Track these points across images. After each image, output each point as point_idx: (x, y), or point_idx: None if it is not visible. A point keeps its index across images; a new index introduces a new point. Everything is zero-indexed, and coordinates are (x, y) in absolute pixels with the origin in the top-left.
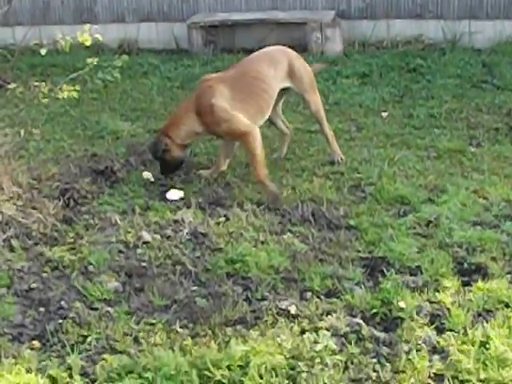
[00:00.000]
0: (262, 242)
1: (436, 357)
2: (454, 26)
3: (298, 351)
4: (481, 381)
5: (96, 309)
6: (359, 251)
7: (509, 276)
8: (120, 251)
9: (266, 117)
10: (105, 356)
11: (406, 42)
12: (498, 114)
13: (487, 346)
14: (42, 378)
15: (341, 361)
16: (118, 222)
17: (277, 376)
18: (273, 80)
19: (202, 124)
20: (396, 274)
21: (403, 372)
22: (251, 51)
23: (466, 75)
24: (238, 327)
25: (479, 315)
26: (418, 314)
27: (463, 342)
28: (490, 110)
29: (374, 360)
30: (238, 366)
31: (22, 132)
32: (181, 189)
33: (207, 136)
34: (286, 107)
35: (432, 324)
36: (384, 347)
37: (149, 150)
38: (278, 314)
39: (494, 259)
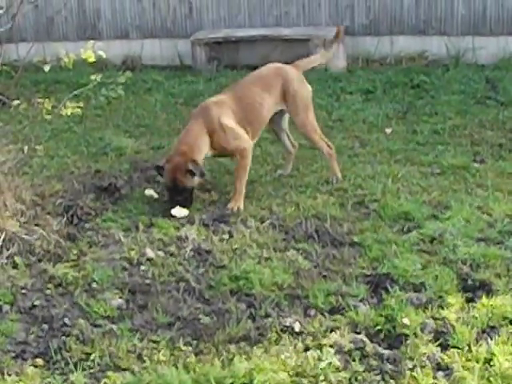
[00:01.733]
0: (266, 259)
1: (440, 374)
2: (458, 41)
3: (302, 368)
4: None
5: (99, 326)
6: (363, 268)
7: None
8: (124, 268)
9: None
10: (108, 373)
11: (409, 58)
12: (502, 129)
13: (491, 362)
14: None
15: (345, 378)
16: (122, 238)
17: None
18: (266, 105)
19: (212, 144)
20: (400, 290)
21: None
22: (255, 67)
23: (470, 91)
24: (242, 344)
25: (483, 332)
26: (422, 330)
27: (467, 359)
28: (494, 126)
29: (378, 377)
30: (242, 383)
31: (26, 148)
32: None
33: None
34: (290, 124)
35: (436, 341)
36: (388, 364)
37: (185, 181)
38: (281, 330)
39: (498, 275)
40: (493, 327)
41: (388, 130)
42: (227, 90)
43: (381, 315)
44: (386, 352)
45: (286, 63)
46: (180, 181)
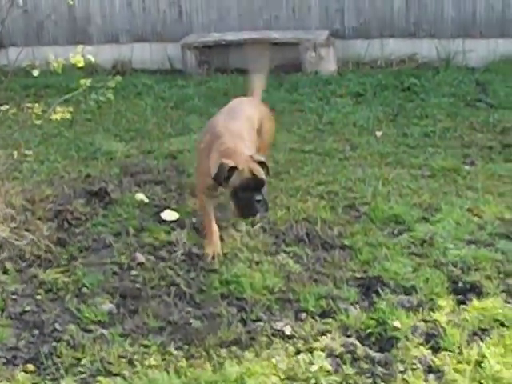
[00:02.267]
0: (257, 263)
1: (431, 376)
2: (448, 44)
3: (293, 372)
4: None
5: (90, 331)
6: (354, 271)
7: (503, 294)
8: (114, 273)
9: None
10: (99, 378)
11: (399, 61)
12: (492, 132)
13: (482, 365)
14: None
15: (336, 381)
16: (112, 243)
17: None
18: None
19: None
20: (391, 293)
21: None
22: (245, 71)
23: (460, 94)
24: (233, 348)
25: (474, 334)
26: (413, 333)
27: (458, 362)
28: (484, 128)
29: (370, 380)
30: None
31: (16, 153)
32: (175, 210)
33: None
34: (281, 127)
35: (427, 343)
36: (379, 367)
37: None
38: (272, 334)
39: (488, 278)
40: (484, 329)
41: (378, 133)
42: (223, 126)
43: (372, 318)
44: (377, 355)
45: (276, 67)
46: (263, 177)
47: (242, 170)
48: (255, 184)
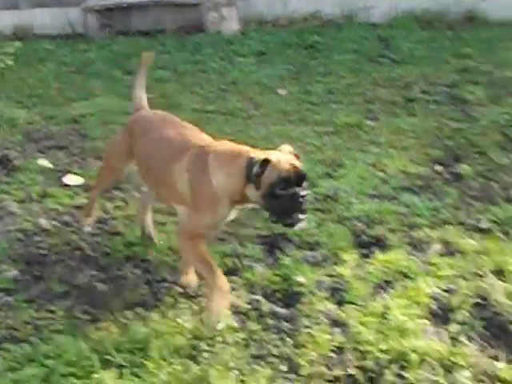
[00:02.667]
0: (161, 224)
1: (337, 330)
2: (351, 1)
3: (199, 331)
4: (381, 351)
5: None
6: (258, 229)
7: (407, 247)
8: (18, 239)
9: None
10: (6, 345)
11: (302, 19)
12: (395, 87)
13: (387, 316)
14: None
15: (242, 338)
16: (16, 210)
17: (178, 356)
18: None
19: None
20: (295, 249)
21: (304, 346)
22: (147, 33)
23: (363, 50)
24: (139, 310)
25: (379, 287)
26: (317, 288)
27: (364, 314)
28: (387, 83)
29: (275, 336)
30: (139, 348)
31: None
32: (78, 174)
33: None
34: (184, 88)
35: (332, 297)
36: (285, 323)
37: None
38: (178, 294)
39: (392, 231)
40: (388, 282)
41: (281, 91)
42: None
43: (277, 275)
44: (283, 311)
45: (178, 29)
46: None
47: (277, 162)
48: (297, 177)
